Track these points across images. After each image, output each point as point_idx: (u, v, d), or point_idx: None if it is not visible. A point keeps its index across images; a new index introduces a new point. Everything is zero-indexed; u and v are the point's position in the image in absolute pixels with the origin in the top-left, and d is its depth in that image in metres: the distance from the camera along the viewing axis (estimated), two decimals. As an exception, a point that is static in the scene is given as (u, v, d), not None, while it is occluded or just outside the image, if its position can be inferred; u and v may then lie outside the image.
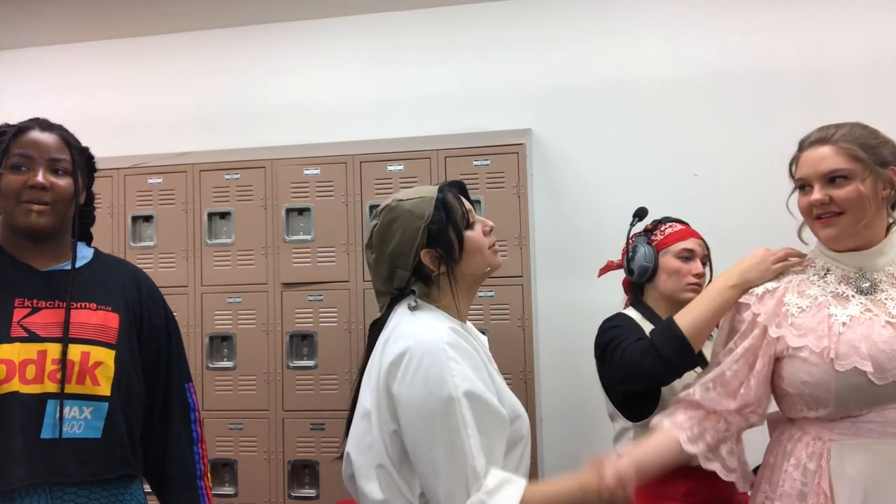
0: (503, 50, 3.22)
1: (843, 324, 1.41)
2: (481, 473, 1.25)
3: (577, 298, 3.09)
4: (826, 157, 1.45)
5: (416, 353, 1.31)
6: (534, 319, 2.80)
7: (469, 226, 1.48)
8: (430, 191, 1.48)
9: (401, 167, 2.86)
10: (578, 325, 3.09)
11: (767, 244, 1.73)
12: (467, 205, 1.50)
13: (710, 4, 3.08)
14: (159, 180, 3.03)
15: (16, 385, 1.33)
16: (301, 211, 2.93)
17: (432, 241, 1.43)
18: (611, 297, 3.06)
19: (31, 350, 1.36)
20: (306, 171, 2.92)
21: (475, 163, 2.81)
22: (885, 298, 1.44)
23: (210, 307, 2.95)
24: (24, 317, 1.39)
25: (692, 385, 1.58)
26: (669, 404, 1.65)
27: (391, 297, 1.50)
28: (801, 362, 1.43)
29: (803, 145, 1.51)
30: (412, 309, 1.42)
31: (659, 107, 3.08)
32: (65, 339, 1.38)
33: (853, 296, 1.46)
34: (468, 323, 1.55)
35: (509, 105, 3.18)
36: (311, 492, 2.84)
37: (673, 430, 1.51)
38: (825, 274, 1.51)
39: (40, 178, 1.41)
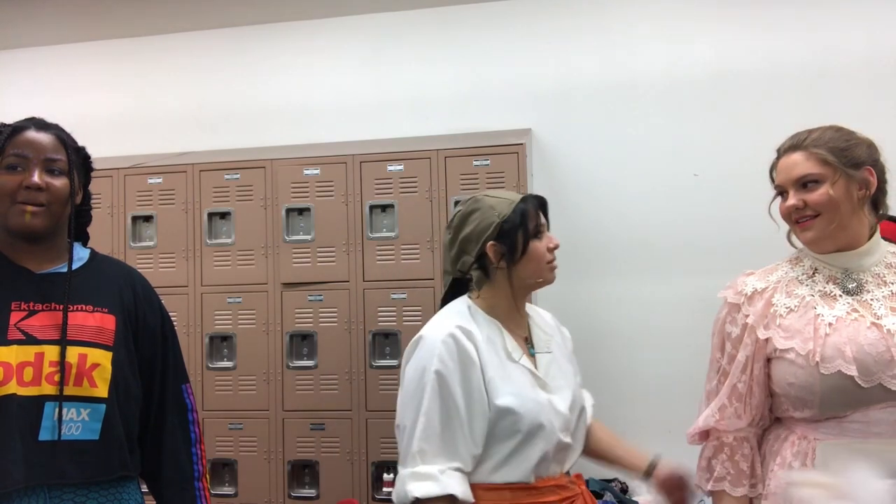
0: (503, 50, 3.22)
1: (830, 324, 1.42)
2: (417, 456, 1.48)
3: (577, 298, 3.09)
4: (797, 164, 1.49)
5: (422, 342, 1.56)
6: (534, 319, 2.80)
7: (537, 236, 1.65)
8: (515, 196, 1.68)
9: (401, 167, 2.86)
10: (578, 324, 3.08)
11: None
12: (542, 219, 1.68)
13: (711, 4, 3.08)
14: (159, 180, 3.03)
15: (13, 387, 1.33)
16: (301, 211, 2.93)
17: (501, 236, 1.62)
18: (611, 296, 3.07)
19: (29, 352, 1.36)
20: (306, 171, 2.92)
21: (475, 163, 2.81)
22: (871, 299, 1.45)
23: (210, 307, 2.95)
24: (21, 319, 1.38)
25: (705, 406, 1.58)
26: None
27: (453, 278, 1.70)
28: (787, 364, 1.45)
29: (779, 153, 1.55)
30: (472, 298, 1.66)
31: (659, 107, 3.08)
32: (63, 342, 1.38)
33: (840, 295, 1.47)
34: (534, 307, 1.79)
35: (509, 105, 3.19)
36: (311, 492, 2.84)
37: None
38: (813, 274, 1.52)
39: (36, 178, 1.40)
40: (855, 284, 1.47)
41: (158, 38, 3.52)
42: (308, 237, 2.91)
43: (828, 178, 1.45)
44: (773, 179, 1.57)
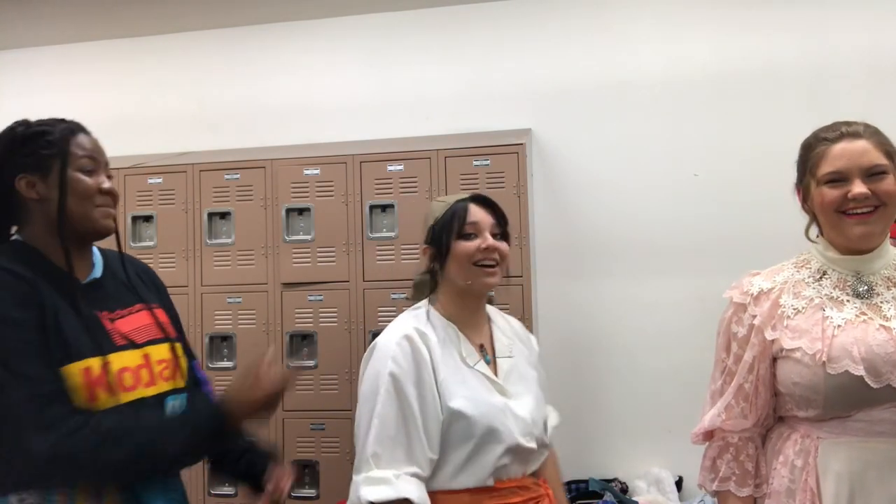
0: (503, 50, 3.22)
1: (838, 326, 1.41)
2: (371, 460, 1.46)
3: (577, 298, 3.10)
4: (867, 151, 1.43)
5: (377, 348, 1.56)
6: (534, 319, 2.80)
7: (465, 237, 1.60)
8: (456, 197, 1.68)
9: (401, 167, 2.86)
10: (578, 324, 3.10)
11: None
12: (476, 217, 1.62)
13: (710, 4, 3.08)
14: (159, 180, 3.03)
15: (141, 390, 1.35)
16: (301, 211, 2.93)
17: (433, 240, 1.65)
18: (610, 296, 3.07)
19: (138, 356, 1.38)
20: (306, 171, 2.92)
21: (475, 163, 2.81)
22: (881, 302, 1.44)
23: (210, 307, 2.94)
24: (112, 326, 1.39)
25: (710, 407, 1.57)
26: None
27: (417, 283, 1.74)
28: (793, 363, 1.44)
29: (830, 139, 1.47)
30: (431, 303, 1.67)
31: (659, 107, 3.08)
32: (181, 339, 1.46)
33: (848, 300, 1.45)
34: (501, 313, 1.76)
35: (509, 105, 3.18)
36: (311, 492, 2.84)
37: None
38: (821, 277, 1.50)
39: (110, 183, 1.43)
40: (866, 288, 1.46)
41: (158, 38, 3.52)
42: (308, 237, 2.91)
43: (891, 170, 1.43)
44: (807, 167, 1.51)
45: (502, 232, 1.66)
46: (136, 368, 1.36)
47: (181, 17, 3.38)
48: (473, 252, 1.60)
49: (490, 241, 1.61)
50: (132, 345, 1.38)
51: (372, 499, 1.43)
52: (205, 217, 2.98)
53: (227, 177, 2.98)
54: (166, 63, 3.51)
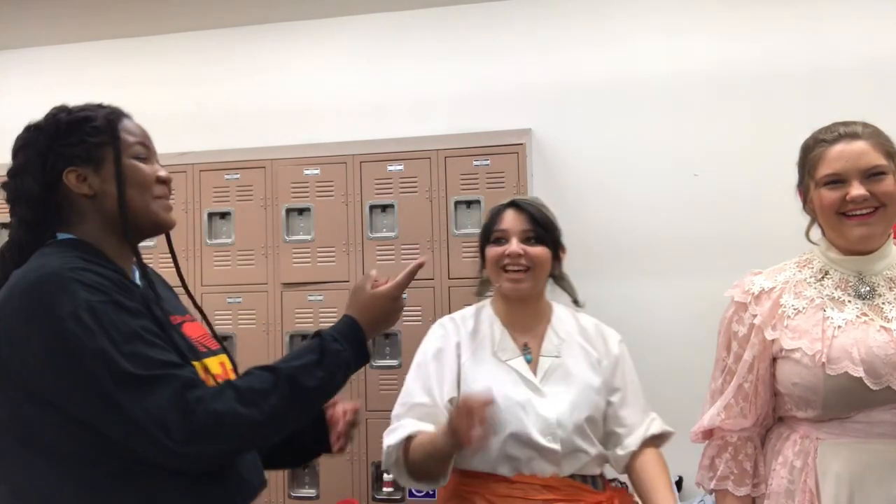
0: (503, 50, 3.22)
1: (838, 327, 1.41)
2: (394, 419, 1.64)
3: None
4: (865, 152, 1.41)
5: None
6: (534, 319, 2.80)
7: (495, 242, 1.68)
8: (502, 201, 1.76)
9: (401, 167, 2.86)
10: (578, 325, 3.09)
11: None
12: (506, 224, 1.68)
13: (711, 4, 3.08)
14: (159, 180, 3.02)
15: None
16: (301, 211, 2.93)
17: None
18: (609, 296, 3.07)
19: (217, 363, 1.25)
20: (306, 171, 2.92)
21: (475, 163, 2.81)
22: (882, 303, 1.43)
23: (210, 307, 2.93)
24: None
25: (710, 405, 1.56)
26: None
27: None
28: (793, 364, 1.44)
29: (828, 140, 1.46)
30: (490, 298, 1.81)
31: (659, 107, 3.08)
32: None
33: (850, 300, 1.45)
34: (572, 313, 1.81)
35: (509, 105, 3.18)
36: (311, 492, 2.84)
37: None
38: (822, 277, 1.49)
39: (165, 171, 1.25)
40: (868, 289, 1.45)
41: (159, 38, 3.52)
42: (308, 237, 2.91)
43: (890, 170, 1.41)
44: (807, 169, 1.49)
45: (538, 236, 1.67)
46: (222, 376, 1.22)
47: (181, 17, 3.38)
48: (498, 257, 1.66)
49: (513, 247, 1.64)
50: (210, 352, 1.26)
51: (388, 444, 1.60)
52: (205, 217, 2.98)
53: (227, 177, 2.98)
54: (166, 63, 3.50)
